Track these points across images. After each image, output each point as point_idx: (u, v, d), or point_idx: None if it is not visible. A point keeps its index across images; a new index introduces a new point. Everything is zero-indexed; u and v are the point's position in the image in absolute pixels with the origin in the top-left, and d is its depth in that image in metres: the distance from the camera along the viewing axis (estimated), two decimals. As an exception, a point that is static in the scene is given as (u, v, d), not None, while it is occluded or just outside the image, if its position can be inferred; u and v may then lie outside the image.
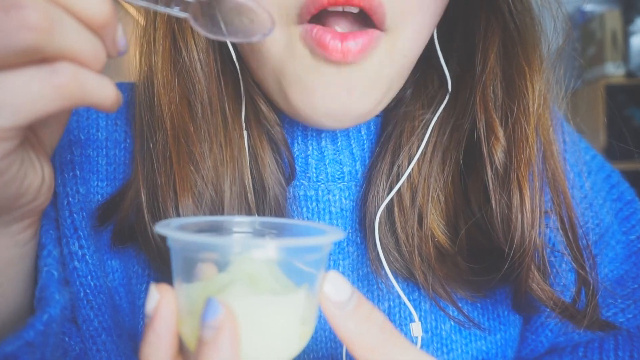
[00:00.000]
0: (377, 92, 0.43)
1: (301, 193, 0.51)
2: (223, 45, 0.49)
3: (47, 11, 0.28)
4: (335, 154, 0.51)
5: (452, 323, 0.51)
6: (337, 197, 0.51)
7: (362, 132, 0.52)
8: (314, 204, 0.51)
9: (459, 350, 0.51)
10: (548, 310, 0.48)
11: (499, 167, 0.46)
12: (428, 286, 0.48)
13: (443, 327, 0.51)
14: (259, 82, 0.46)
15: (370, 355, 0.32)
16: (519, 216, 0.45)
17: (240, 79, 0.49)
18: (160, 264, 0.47)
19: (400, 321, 0.50)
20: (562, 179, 0.48)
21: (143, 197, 0.46)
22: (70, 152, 0.50)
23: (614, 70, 2.52)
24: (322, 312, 0.33)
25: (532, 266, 0.46)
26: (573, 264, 0.48)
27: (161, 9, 0.35)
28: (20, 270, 0.42)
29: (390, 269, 0.49)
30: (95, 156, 0.51)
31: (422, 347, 0.50)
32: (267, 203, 0.48)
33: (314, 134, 0.50)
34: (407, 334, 0.50)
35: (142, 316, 0.50)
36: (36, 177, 0.36)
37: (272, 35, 0.40)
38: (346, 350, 0.49)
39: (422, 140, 0.50)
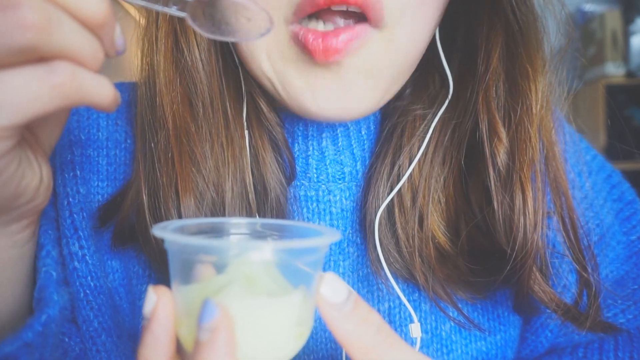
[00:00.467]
0: (376, 91, 0.43)
1: (302, 193, 0.51)
2: (224, 45, 0.48)
3: (44, 10, 0.28)
4: (335, 154, 0.51)
5: (452, 324, 0.51)
6: (337, 198, 0.51)
7: (363, 132, 0.52)
8: (315, 204, 0.50)
9: (459, 351, 0.51)
10: (550, 311, 0.48)
11: (501, 168, 0.46)
12: (429, 287, 0.48)
13: (443, 327, 0.51)
14: (256, 80, 0.46)
15: (367, 357, 0.32)
16: (522, 218, 0.45)
17: (242, 78, 0.49)
18: (160, 265, 0.47)
19: (400, 322, 0.50)
20: (563, 180, 0.48)
21: (144, 197, 0.45)
22: (70, 152, 0.50)
23: (614, 70, 2.52)
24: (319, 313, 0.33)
25: (534, 268, 0.46)
26: (575, 265, 0.48)
27: (159, 8, 0.35)
28: (19, 271, 0.42)
29: (390, 270, 0.49)
30: (95, 156, 0.51)
31: (421, 347, 0.50)
32: (268, 203, 0.48)
33: (315, 134, 0.50)
34: (407, 334, 0.50)
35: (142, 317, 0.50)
36: (34, 177, 0.36)
37: (270, 37, 0.40)
38: None
39: (423, 140, 0.50)
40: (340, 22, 0.42)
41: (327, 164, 0.51)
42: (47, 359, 0.39)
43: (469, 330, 0.51)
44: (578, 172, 0.57)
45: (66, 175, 0.50)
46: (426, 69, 0.51)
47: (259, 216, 0.48)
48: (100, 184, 0.50)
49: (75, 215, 0.49)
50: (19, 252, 0.41)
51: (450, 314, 0.50)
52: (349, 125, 0.51)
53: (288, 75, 0.42)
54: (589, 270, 0.48)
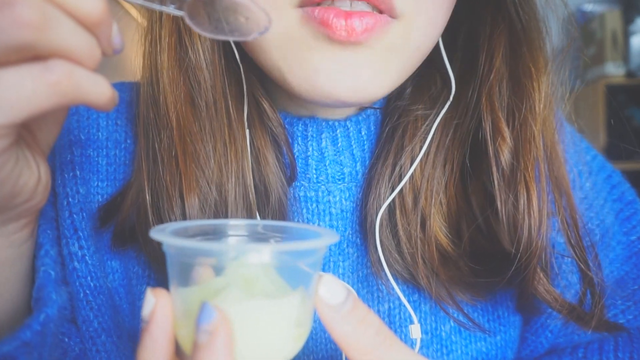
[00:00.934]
0: (387, 76, 0.42)
1: (301, 194, 0.50)
2: (227, 43, 0.48)
3: (40, 8, 0.28)
4: (335, 155, 0.51)
5: (452, 324, 0.51)
6: (337, 199, 0.51)
7: (363, 133, 0.52)
8: (314, 205, 0.50)
9: (459, 352, 0.51)
10: (551, 311, 0.48)
11: (505, 167, 0.46)
12: (431, 289, 0.48)
13: (443, 328, 0.50)
14: (260, 65, 0.45)
15: (365, 358, 0.32)
16: (526, 217, 0.45)
17: (243, 78, 0.49)
18: (160, 265, 0.47)
19: (400, 323, 0.50)
20: (565, 180, 0.48)
21: (147, 196, 0.45)
22: (70, 153, 0.50)
23: (614, 70, 2.52)
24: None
25: (537, 268, 0.46)
26: (580, 264, 0.48)
27: (156, 6, 0.35)
28: (18, 271, 0.42)
29: (390, 271, 0.49)
30: (95, 156, 0.51)
31: (421, 348, 0.50)
32: (269, 204, 0.48)
33: (314, 135, 0.50)
34: (407, 335, 0.50)
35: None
36: (32, 176, 0.36)
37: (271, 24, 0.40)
38: None
39: (424, 140, 0.50)
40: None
41: (327, 164, 0.50)
42: (45, 358, 0.39)
43: (471, 331, 0.51)
44: (578, 172, 0.57)
45: (66, 175, 0.50)
46: (427, 70, 0.51)
47: (260, 217, 0.48)
48: (100, 184, 0.50)
49: (75, 216, 0.49)
50: (17, 252, 0.41)
51: (452, 315, 0.50)
52: (349, 126, 0.51)
53: (300, 57, 0.41)
54: (593, 269, 0.48)
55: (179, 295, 0.32)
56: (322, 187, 0.50)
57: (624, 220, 0.58)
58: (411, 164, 0.49)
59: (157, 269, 0.49)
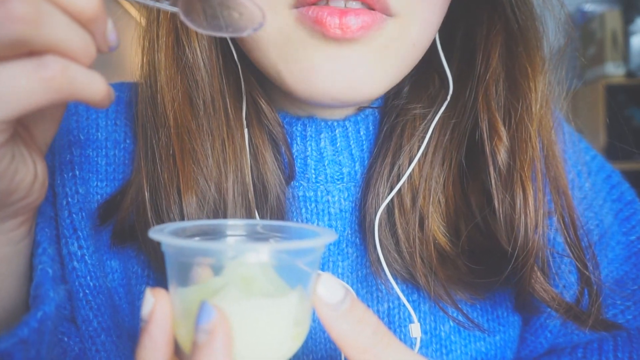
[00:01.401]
0: (384, 74, 0.42)
1: (300, 194, 0.51)
2: (225, 42, 0.48)
3: (34, 3, 0.28)
4: (334, 155, 0.51)
5: (452, 324, 0.51)
6: (336, 198, 0.51)
7: (361, 133, 0.52)
8: (313, 204, 0.50)
9: (458, 352, 0.51)
10: (550, 311, 0.48)
11: (502, 167, 0.46)
12: (430, 288, 0.48)
13: (442, 328, 0.51)
14: (257, 64, 0.45)
15: (363, 357, 0.33)
16: (523, 217, 0.45)
17: (241, 76, 0.49)
18: (160, 264, 0.47)
19: (399, 322, 0.50)
20: (563, 179, 0.48)
21: (146, 195, 0.45)
22: (69, 153, 0.50)
23: (614, 70, 2.52)
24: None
25: (535, 267, 0.46)
26: (577, 264, 0.48)
27: (151, 2, 0.35)
28: (15, 269, 0.42)
29: (389, 271, 0.49)
30: (94, 156, 0.51)
31: (421, 348, 0.50)
32: (268, 203, 0.48)
33: (313, 135, 0.50)
34: (406, 335, 0.50)
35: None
36: (28, 174, 0.36)
37: (269, 22, 0.39)
38: None
39: (422, 140, 0.50)
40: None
41: (326, 164, 0.50)
42: (43, 356, 0.39)
43: (470, 331, 0.51)
44: (577, 172, 0.57)
45: (65, 175, 0.50)
46: (425, 70, 0.51)
47: (259, 216, 0.48)
48: (99, 184, 0.50)
49: (74, 215, 0.49)
50: (14, 249, 0.41)
51: (451, 314, 0.50)
52: (348, 126, 0.51)
53: (296, 56, 0.41)
54: (590, 268, 0.48)
55: (178, 294, 0.32)
56: (321, 186, 0.50)
57: (624, 220, 0.58)
58: (409, 164, 0.49)
59: (156, 268, 0.49)
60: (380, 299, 0.50)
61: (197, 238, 0.35)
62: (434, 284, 0.48)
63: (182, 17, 0.35)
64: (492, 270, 0.48)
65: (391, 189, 0.49)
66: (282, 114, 0.51)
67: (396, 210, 0.49)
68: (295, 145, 0.51)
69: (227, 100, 0.47)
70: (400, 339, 0.50)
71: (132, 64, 0.49)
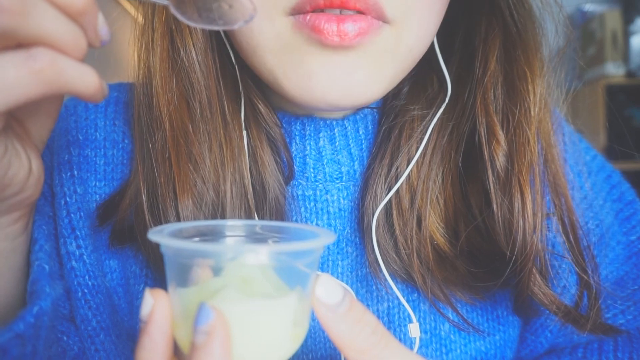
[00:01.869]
0: (380, 79, 0.42)
1: (299, 193, 0.50)
2: (221, 45, 0.48)
3: None
4: (333, 154, 0.51)
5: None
6: (335, 197, 0.51)
7: (360, 132, 0.52)
8: (312, 203, 0.50)
9: (458, 351, 0.51)
10: (550, 313, 0.48)
11: (500, 171, 0.46)
12: (427, 289, 0.48)
13: (442, 327, 0.50)
14: (254, 69, 0.45)
15: (361, 357, 0.33)
16: (521, 220, 0.45)
17: (239, 79, 0.49)
18: (159, 264, 0.47)
19: (399, 322, 0.50)
20: (562, 181, 0.48)
21: (143, 197, 0.45)
22: (68, 153, 0.50)
23: (614, 70, 2.52)
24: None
25: (534, 270, 0.46)
26: (575, 267, 0.48)
27: None
28: (12, 265, 0.42)
29: (388, 271, 0.49)
30: (93, 156, 0.51)
31: (421, 347, 0.50)
32: (267, 203, 0.48)
33: (312, 134, 0.50)
34: (406, 334, 0.50)
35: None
36: (22, 168, 0.36)
37: (263, 27, 0.40)
38: None
39: (421, 141, 0.50)
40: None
41: (325, 163, 0.50)
42: (40, 352, 0.39)
43: (468, 332, 0.51)
44: (578, 172, 0.57)
45: (63, 175, 0.50)
46: (424, 70, 0.51)
47: (258, 216, 0.48)
48: (97, 183, 0.50)
49: (72, 215, 0.49)
50: (10, 245, 0.41)
51: (449, 316, 0.50)
52: (347, 125, 0.51)
53: (293, 62, 0.41)
54: (589, 271, 0.48)
55: (177, 295, 0.32)
56: (320, 185, 0.50)
57: (624, 220, 0.58)
58: (407, 165, 0.49)
59: (154, 268, 0.49)
60: (380, 299, 0.50)
61: (196, 239, 0.35)
62: (431, 285, 0.48)
63: (173, 10, 0.35)
64: (491, 272, 0.48)
65: (389, 190, 0.49)
66: (280, 113, 0.51)
67: (394, 211, 0.49)
68: (294, 144, 0.51)
69: (225, 102, 0.47)
70: (400, 338, 0.50)
71: (131, 65, 0.49)
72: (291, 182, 0.50)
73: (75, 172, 0.50)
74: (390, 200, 0.49)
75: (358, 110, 0.52)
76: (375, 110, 0.53)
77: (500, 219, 0.46)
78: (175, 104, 0.45)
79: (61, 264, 0.48)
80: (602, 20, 2.56)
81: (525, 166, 0.45)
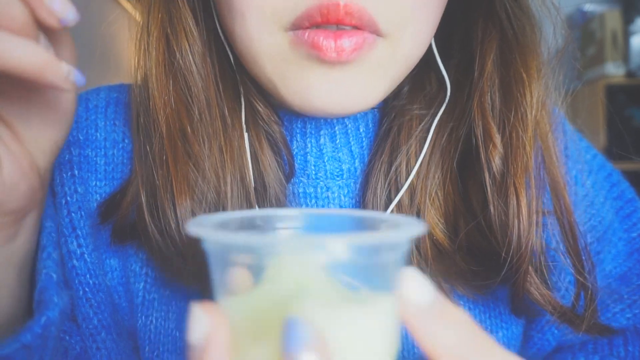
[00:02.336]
0: (377, 89, 0.43)
1: (300, 190, 0.51)
2: (221, 48, 0.49)
3: None
4: (334, 152, 0.51)
5: None
6: (335, 195, 0.51)
7: (361, 130, 0.52)
8: (313, 201, 0.51)
9: None
10: (547, 313, 0.48)
11: (496, 173, 0.46)
12: None
13: None
14: (253, 75, 0.46)
15: None
16: (515, 222, 0.45)
17: (239, 81, 0.49)
18: (160, 263, 0.47)
19: None
20: (560, 183, 0.48)
21: (143, 198, 0.45)
22: (68, 152, 0.50)
23: (614, 70, 2.52)
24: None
25: (529, 270, 0.46)
26: (572, 269, 0.48)
27: None
28: (8, 274, 0.40)
29: None
30: (93, 156, 0.51)
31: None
32: (268, 202, 0.48)
33: (313, 132, 0.50)
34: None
35: (141, 315, 0.50)
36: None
37: (262, 39, 0.41)
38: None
39: (420, 142, 0.50)
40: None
41: (325, 161, 0.51)
42: None
43: None
44: (579, 170, 0.57)
45: (64, 175, 0.50)
46: (423, 69, 0.51)
47: None
48: (98, 183, 0.50)
49: (73, 214, 0.49)
50: (3, 253, 0.39)
51: None
52: (347, 123, 0.51)
53: (292, 75, 0.42)
54: (586, 272, 0.48)
55: (235, 307, 0.25)
56: (321, 183, 0.51)
57: (624, 218, 0.59)
58: (406, 165, 0.50)
59: (156, 267, 0.49)
60: None
61: (243, 233, 0.29)
62: (431, 279, 0.48)
63: None
64: (489, 270, 0.48)
65: (389, 187, 0.50)
66: (282, 111, 0.51)
67: (395, 210, 0.49)
68: (295, 142, 0.51)
69: (224, 104, 0.48)
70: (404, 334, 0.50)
71: (130, 66, 0.49)
72: (292, 179, 0.50)
73: (76, 172, 0.50)
74: (389, 197, 0.49)
75: None
76: (376, 109, 0.53)
77: (496, 219, 0.46)
78: (172, 107, 0.45)
79: (62, 263, 0.48)
80: (602, 20, 2.56)
81: (521, 169, 0.46)
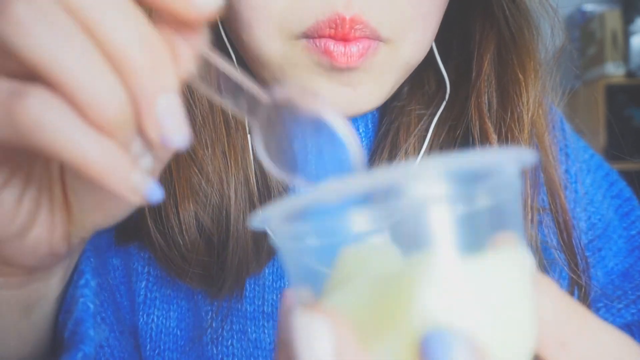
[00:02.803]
0: (381, 90, 0.45)
1: (303, 191, 0.51)
2: (223, 50, 0.49)
3: (35, 7, 0.21)
4: (334, 152, 0.51)
5: None
6: None
7: (361, 130, 0.52)
8: None
9: None
10: None
11: None
12: None
13: None
14: (257, 76, 0.47)
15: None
16: None
17: None
18: (164, 265, 0.47)
19: None
20: (556, 182, 0.48)
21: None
22: None
23: (614, 70, 2.52)
24: None
25: (543, 275, 0.46)
26: (567, 266, 0.48)
27: (223, 100, 0.26)
28: (17, 315, 0.35)
29: None
30: None
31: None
32: (270, 201, 0.48)
33: (313, 132, 0.51)
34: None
35: (142, 313, 0.50)
36: (13, 225, 0.27)
37: (271, 46, 0.42)
38: None
39: (419, 140, 0.51)
40: None
41: (325, 160, 0.51)
42: None
43: None
44: (578, 169, 0.57)
45: None
46: (422, 68, 0.52)
47: None
48: None
49: None
50: (10, 294, 0.34)
51: None
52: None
53: (300, 79, 0.43)
54: (580, 270, 0.48)
55: (346, 302, 0.21)
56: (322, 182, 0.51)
57: (623, 216, 0.59)
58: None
59: (159, 267, 0.49)
60: None
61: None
62: None
63: (253, 127, 0.26)
64: None
65: None
66: None
67: None
68: (295, 142, 0.51)
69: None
70: None
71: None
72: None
73: None
74: None
75: None
76: (375, 109, 0.53)
77: None
78: None
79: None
80: (602, 20, 2.56)
81: None
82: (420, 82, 0.53)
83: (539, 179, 0.48)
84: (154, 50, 0.22)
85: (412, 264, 0.20)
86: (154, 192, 0.24)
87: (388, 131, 0.52)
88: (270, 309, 0.50)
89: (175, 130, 0.23)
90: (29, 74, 0.22)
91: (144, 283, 0.50)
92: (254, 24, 0.41)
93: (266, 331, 0.50)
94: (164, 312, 0.50)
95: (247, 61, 0.46)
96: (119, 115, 0.22)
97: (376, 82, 0.44)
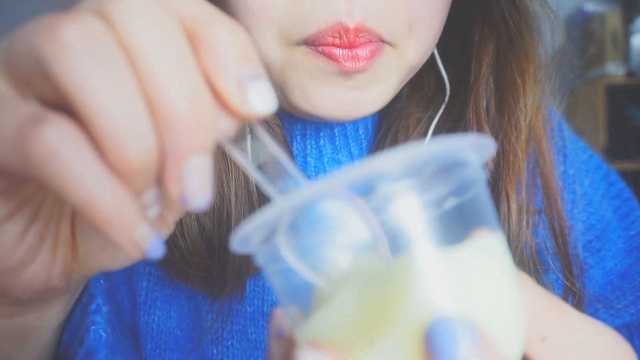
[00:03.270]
0: (385, 92, 0.44)
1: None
2: None
3: (87, 30, 0.19)
4: (333, 153, 0.51)
5: None
6: None
7: (360, 132, 0.52)
8: None
9: None
10: None
11: (489, 177, 0.47)
12: None
13: None
14: None
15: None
16: (506, 225, 0.46)
17: None
18: (164, 266, 0.47)
19: None
20: (553, 186, 0.48)
21: None
22: None
23: (614, 70, 2.52)
24: None
25: (521, 271, 0.46)
26: (559, 273, 0.49)
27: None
28: (16, 346, 0.34)
29: None
30: None
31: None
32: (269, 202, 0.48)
33: (313, 134, 0.51)
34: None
35: (143, 313, 0.50)
36: (9, 260, 0.25)
37: (272, 51, 0.41)
38: None
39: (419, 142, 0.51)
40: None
41: (325, 162, 0.51)
42: None
43: None
44: (576, 169, 0.57)
45: None
46: (422, 70, 0.52)
47: None
48: None
49: None
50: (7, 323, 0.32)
51: None
52: (347, 125, 0.51)
53: (303, 83, 0.42)
54: (574, 276, 0.49)
55: (335, 320, 0.20)
56: None
57: (622, 216, 0.59)
58: None
59: (159, 266, 0.49)
60: None
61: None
62: None
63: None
64: None
65: None
66: (281, 112, 0.51)
67: None
68: (295, 143, 0.51)
69: None
70: None
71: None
72: None
73: None
74: None
75: None
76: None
77: None
78: None
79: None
80: (602, 20, 2.56)
81: (513, 174, 0.46)
82: (419, 84, 0.53)
83: (535, 182, 0.48)
84: (202, 107, 0.20)
85: (398, 263, 0.20)
86: (156, 249, 0.22)
87: (387, 134, 0.52)
88: (269, 310, 0.50)
89: (199, 192, 0.21)
90: (62, 104, 0.20)
91: (145, 283, 0.50)
92: (254, 29, 0.41)
93: (266, 332, 0.50)
94: (164, 312, 0.50)
95: None
96: (142, 162, 0.20)
97: (382, 83, 0.43)
